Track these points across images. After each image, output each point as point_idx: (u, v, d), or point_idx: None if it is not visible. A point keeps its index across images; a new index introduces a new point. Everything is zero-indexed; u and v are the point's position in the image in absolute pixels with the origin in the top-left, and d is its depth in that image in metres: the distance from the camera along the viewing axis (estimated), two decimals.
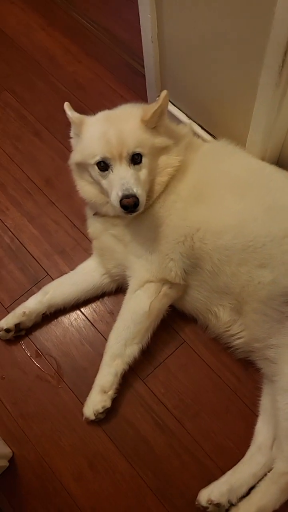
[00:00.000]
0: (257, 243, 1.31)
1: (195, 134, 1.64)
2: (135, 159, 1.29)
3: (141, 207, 1.27)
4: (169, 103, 1.76)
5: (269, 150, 1.51)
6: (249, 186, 1.38)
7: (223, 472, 1.36)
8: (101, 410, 1.40)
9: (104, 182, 1.31)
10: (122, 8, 2.27)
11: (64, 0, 2.32)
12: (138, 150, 1.29)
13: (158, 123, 1.34)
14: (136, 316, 1.40)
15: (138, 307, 1.40)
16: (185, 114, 1.76)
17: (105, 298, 1.64)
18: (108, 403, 1.41)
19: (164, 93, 1.31)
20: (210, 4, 1.32)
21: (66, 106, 1.39)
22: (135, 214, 1.28)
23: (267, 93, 1.32)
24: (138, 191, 1.25)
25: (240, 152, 1.49)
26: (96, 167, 1.30)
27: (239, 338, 1.42)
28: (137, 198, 1.24)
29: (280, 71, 1.23)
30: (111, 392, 1.41)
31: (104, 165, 1.29)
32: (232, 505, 1.31)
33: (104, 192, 1.34)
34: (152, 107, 1.31)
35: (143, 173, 1.31)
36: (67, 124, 1.45)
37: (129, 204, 1.24)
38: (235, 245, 1.32)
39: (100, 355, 1.45)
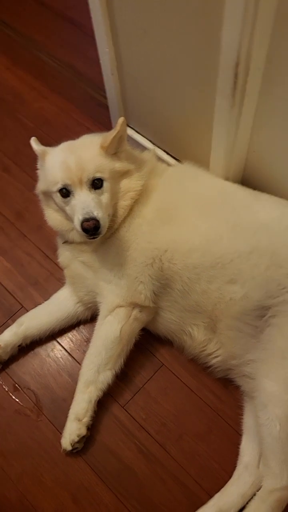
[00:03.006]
0: (225, 259, 1.33)
1: (160, 159, 1.68)
2: (96, 184, 1.31)
3: (102, 230, 1.28)
4: (134, 131, 1.81)
5: (232, 170, 1.55)
6: (214, 205, 1.41)
7: (210, 495, 1.33)
8: (77, 439, 1.37)
9: (67, 208, 1.33)
10: (84, 45, 2.34)
11: (27, 40, 2.39)
12: (98, 175, 1.31)
13: (118, 149, 1.37)
14: (107, 342, 1.39)
15: (109, 333, 1.40)
16: (150, 140, 1.81)
17: (81, 327, 1.63)
18: (83, 431, 1.38)
19: (121, 119, 1.35)
20: (160, 35, 1.38)
21: (33, 140, 1.42)
22: (98, 238, 1.29)
23: (223, 115, 1.37)
24: (99, 214, 1.27)
25: (204, 173, 1.53)
26: (58, 194, 1.32)
27: (216, 357, 1.42)
28: (97, 221, 1.25)
29: (233, 93, 1.28)
30: (85, 420, 1.38)
31: (66, 192, 1.31)
32: None
33: (69, 218, 1.36)
34: (110, 134, 1.34)
35: (105, 197, 1.33)
36: (35, 158, 1.48)
37: (89, 227, 1.25)
38: (204, 263, 1.33)
39: None
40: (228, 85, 1.27)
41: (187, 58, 1.36)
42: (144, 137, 1.82)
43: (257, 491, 1.29)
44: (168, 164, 1.68)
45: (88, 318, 1.61)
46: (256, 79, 1.27)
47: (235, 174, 1.58)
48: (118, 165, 1.37)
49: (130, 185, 1.39)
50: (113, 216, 1.38)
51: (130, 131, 1.80)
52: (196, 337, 1.42)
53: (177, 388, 1.50)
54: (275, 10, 1.09)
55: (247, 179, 1.60)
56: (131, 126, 1.82)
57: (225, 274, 1.33)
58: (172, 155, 1.76)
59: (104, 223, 1.28)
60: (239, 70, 1.22)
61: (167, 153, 1.77)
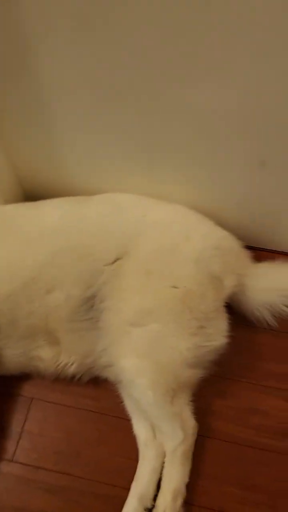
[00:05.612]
0: (33, 275, 1.35)
1: None
2: None
3: None
4: None
5: (8, 194, 1.58)
6: (1, 232, 1.42)
7: (129, 489, 1.34)
8: None
9: None
10: None
11: None
12: None
13: None
14: None
15: None
16: None
17: None
18: None
19: None
20: None
21: None
22: None
23: None
24: None
25: None
26: None
27: (72, 365, 1.42)
28: None
29: None
30: None
31: None
32: (150, 509, 1.30)
33: None
34: None
35: None
36: None
37: None
38: (15, 288, 1.33)
39: None
40: None
41: None
42: None
43: (164, 458, 1.34)
44: None
45: None
46: None
47: (15, 196, 1.62)
48: None
49: None
50: None
51: None
52: (45, 357, 1.41)
53: (55, 412, 1.48)
54: None
55: (31, 195, 1.64)
56: None
57: (41, 287, 1.35)
58: None
59: None
60: None
61: None
